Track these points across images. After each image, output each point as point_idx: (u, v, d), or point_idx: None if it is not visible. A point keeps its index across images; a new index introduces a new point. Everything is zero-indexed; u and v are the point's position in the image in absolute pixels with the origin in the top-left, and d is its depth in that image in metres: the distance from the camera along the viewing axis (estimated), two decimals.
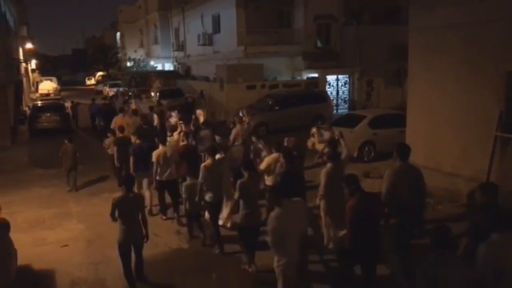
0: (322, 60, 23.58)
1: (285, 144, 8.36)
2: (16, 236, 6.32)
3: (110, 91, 34.02)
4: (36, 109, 20.79)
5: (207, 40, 28.04)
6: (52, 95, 36.12)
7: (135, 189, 7.74)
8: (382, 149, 12.46)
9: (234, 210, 7.06)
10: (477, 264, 3.93)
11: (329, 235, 7.01)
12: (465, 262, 4.06)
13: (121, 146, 10.22)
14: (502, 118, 8.09)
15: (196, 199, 7.38)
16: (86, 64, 72.83)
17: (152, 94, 24.64)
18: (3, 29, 19.80)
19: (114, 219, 6.04)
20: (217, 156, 7.78)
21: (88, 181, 11.86)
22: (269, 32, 23.70)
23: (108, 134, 11.79)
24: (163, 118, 13.81)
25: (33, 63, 45.18)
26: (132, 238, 6.09)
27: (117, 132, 11.08)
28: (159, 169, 8.60)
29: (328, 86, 22.77)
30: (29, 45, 38.26)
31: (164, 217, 8.88)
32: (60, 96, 35.56)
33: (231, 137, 10.61)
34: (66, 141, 11.19)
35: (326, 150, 7.95)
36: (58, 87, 39.23)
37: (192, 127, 11.01)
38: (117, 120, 13.04)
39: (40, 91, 37.32)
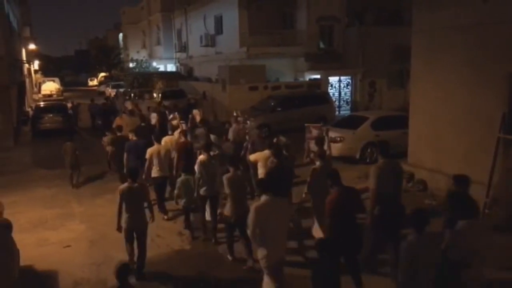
0: (324, 61, 23.58)
1: (275, 142, 8.92)
2: (18, 237, 6.33)
3: (112, 92, 34.14)
4: (38, 110, 20.83)
5: (210, 41, 28.09)
6: (54, 96, 36.20)
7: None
8: None
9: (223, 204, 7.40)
10: (444, 248, 4.35)
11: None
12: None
13: (118, 144, 10.59)
14: (505, 119, 8.07)
15: (195, 194, 7.72)
16: (88, 65, 73.01)
17: (155, 95, 24.67)
18: (6, 30, 19.85)
19: (120, 208, 6.38)
20: (212, 153, 8.19)
21: (91, 182, 11.91)
22: (272, 33, 23.72)
23: (107, 133, 12.32)
24: (162, 118, 14.10)
25: (36, 64, 45.34)
26: (136, 225, 6.43)
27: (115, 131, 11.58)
28: (151, 166, 8.97)
29: (330, 88, 22.75)
30: (32, 46, 38.43)
31: (165, 217, 8.91)
32: (63, 97, 35.65)
33: (229, 136, 11.32)
34: (66, 141, 11.59)
35: (315, 149, 8.38)
36: (61, 88, 39.34)
37: (189, 126, 11.59)
38: (117, 120, 13.66)
39: (42, 92, 37.41)
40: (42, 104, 23.37)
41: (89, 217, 9.31)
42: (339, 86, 23.23)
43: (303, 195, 7.61)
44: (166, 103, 18.69)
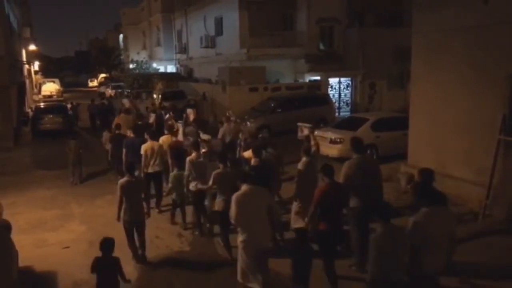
0: (324, 62, 23.56)
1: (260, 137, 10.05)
2: (17, 238, 6.30)
3: (112, 93, 34.20)
4: (38, 111, 20.83)
5: (210, 42, 28.08)
6: (55, 96, 36.18)
7: None
8: (384, 152, 12.42)
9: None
10: (407, 233, 4.64)
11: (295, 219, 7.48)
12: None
13: (116, 142, 11.03)
14: (505, 121, 8.05)
15: (185, 190, 8.18)
16: (89, 66, 73.03)
17: (155, 96, 24.69)
18: (7, 30, 19.84)
19: (121, 201, 6.79)
20: (202, 151, 8.76)
21: (90, 183, 11.92)
22: (272, 34, 23.69)
23: (105, 133, 12.78)
24: (159, 118, 14.67)
25: (36, 65, 45.32)
26: (135, 216, 6.86)
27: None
28: (146, 162, 9.33)
29: (330, 89, 22.75)
30: (32, 47, 38.40)
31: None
32: (63, 98, 35.64)
33: (219, 135, 12.00)
34: (71, 139, 12.23)
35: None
36: (61, 89, 39.35)
37: (183, 125, 12.24)
38: (116, 119, 14.15)
39: (43, 93, 37.43)
40: (42, 104, 23.38)
41: (88, 218, 9.29)
42: (339, 87, 23.22)
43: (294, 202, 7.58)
44: (166, 104, 18.77)
